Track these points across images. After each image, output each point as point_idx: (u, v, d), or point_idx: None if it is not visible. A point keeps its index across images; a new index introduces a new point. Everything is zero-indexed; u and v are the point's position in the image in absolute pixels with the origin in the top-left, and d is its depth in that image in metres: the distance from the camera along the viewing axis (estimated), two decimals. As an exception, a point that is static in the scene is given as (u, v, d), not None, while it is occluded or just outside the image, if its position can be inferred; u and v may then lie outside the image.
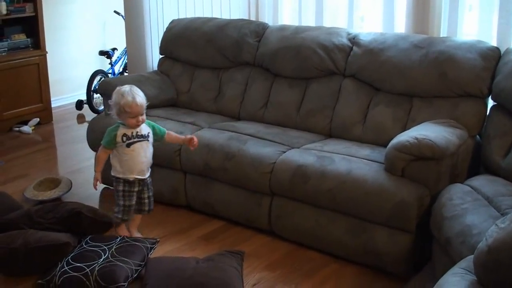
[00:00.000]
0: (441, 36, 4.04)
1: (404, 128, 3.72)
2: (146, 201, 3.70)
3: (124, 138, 3.51)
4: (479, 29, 3.98)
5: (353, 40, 4.18)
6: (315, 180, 3.48)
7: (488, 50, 3.73)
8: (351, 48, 4.16)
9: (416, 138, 3.23)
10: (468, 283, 2.40)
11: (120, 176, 3.59)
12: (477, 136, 3.74)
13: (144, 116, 3.51)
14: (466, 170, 3.55)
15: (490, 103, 3.75)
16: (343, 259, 3.55)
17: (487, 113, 3.72)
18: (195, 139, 3.70)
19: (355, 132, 4.00)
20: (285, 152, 3.75)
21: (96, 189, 3.65)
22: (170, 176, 4.19)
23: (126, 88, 3.48)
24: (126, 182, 3.59)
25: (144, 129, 3.57)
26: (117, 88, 3.51)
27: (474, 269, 2.42)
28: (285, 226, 3.73)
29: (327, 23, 4.54)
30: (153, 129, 3.63)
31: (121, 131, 3.51)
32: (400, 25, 4.22)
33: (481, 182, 3.28)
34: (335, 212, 3.49)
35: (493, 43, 3.86)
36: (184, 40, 4.91)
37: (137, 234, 3.77)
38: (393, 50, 3.94)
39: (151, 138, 3.61)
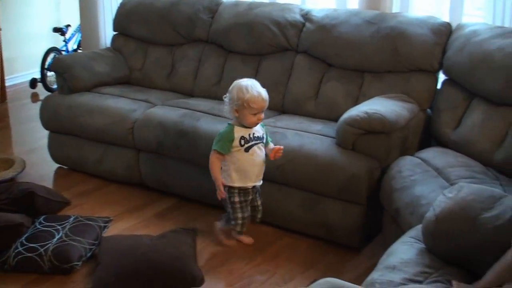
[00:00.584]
0: (393, 12, 4.06)
1: (356, 103, 3.75)
2: (260, 208, 3.44)
3: (242, 142, 3.23)
4: (431, 5, 4.01)
5: (306, 16, 4.18)
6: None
7: (439, 26, 3.77)
8: (304, 24, 4.15)
9: (367, 113, 3.27)
10: (417, 250, 2.46)
11: (236, 185, 3.31)
12: (428, 109, 3.78)
13: (263, 114, 3.27)
14: (417, 143, 3.60)
15: (441, 77, 3.81)
16: (296, 233, 3.58)
17: (438, 87, 3.77)
18: (281, 148, 3.31)
19: (307, 108, 4.01)
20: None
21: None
22: (124, 154, 4.16)
23: (247, 81, 3.23)
24: (242, 191, 3.33)
25: (259, 130, 3.31)
26: (236, 82, 3.26)
27: (422, 238, 2.48)
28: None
29: (280, -1, 4.54)
30: (266, 129, 3.40)
31: (238, 133, 3.24)
32: (353, 1, 4.24)
33: (431, 154, 3.34)
34: (288, 187, 3.51)
35: (445, 18, 3.90)
36: (137, 16, 4.84)
37: (247, 240, 3.53)
38: (345, 26, 3.95)
39: (265, 140, 3.35)
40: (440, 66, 3.73)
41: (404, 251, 2.49)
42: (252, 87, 3.19)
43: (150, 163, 4.07)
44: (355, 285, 1.97)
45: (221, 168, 3.30)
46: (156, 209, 3.94)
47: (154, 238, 3.36)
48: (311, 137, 3.54)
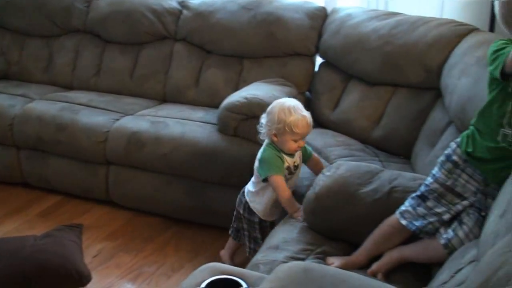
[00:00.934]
0: (269, -3, 4.10)
1: (236, 89, 3.76)
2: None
3: (287, 172, 2.80)
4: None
5: (183, 3, 4.15)
6: (150, 145, 3.47)
7: (314, 10, 3.85)
8: (181, 11, 4.12)
9: (246, 98, 3.30)
10: (299, 229, 2.54)
11: (265, 219, 2.92)
12: (307, 92, 3.86)
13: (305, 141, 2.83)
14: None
15: (319, 60, 3.89)
16: (183, 221, 3.58)
17: (315, 70, 3.85)
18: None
19: (189, 96, 3.99)
20: (119, 119, 3.69)
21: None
22: (2, 152, 3.98)
23: (291, 102, 2.77)
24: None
25: (297, 158, 2.87)
26: (277, 101, 2.79)
27: (304, 216, 2.54)
28: (124, 194, 3.69)
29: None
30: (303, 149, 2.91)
31: (285, 161, 2.79)
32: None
33: (311, 135, 3.37)
34: (172, 176, 3.50)
35: (320, 3, 3.98)
36: (12, 7, 4.57)
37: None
38: (222, 12, 3.96)
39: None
40: (317, 50, 3.82)
41: (286, 230, 2.55)
42: (296, 109, 2.72)
43: (32, 160, 3.92)
44: (239, 268, 2.00)
45: (255, 195, 2.91)
46: (40, 208, 3.81)
47: (38, 238, 3.25)
48: (192, 125, 3.54)
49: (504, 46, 1.94)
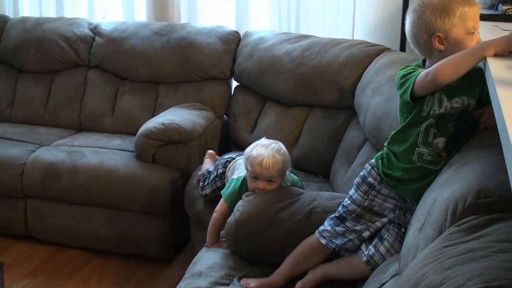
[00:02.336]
0: (182, 23, 4.10)
1: (153, 115, 3.75)
2: None
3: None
4: (219, 14, 4.11)
5: (95, 30, 4.11)
6: (67, 176, 3.39)
7: (227, 34, 3.88)
8: (94, 39, 4.08)
9: (163, 124, 3.29)
10: (222, 254, 2.52)
11: None
12: (225, 115, 3.88)
13: (271, 186, 2.55)
14: (216, 149, 3.66)
15: (234, 83, 3.92)
16: (105, 253, 3.49)
17: (232, 93, 3.88)
18: None
19: (105, 124, 3.95)
20: (34, 151, 3.59)
21: None
22: None
23: (267, 142, 2.61)
24: None
25: None
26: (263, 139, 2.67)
27: (226, 242, 2.53)
28: (44, 229, 3.57)
29: (68, 14, 4.40)
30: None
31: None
32: (141, 14, 4.22)
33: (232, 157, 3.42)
34: (91, 207, 3.42)
35: (233, 27, 4.01)
36: None
37: None
38: (135, 38, 3.94)
39: None
40: (232, 73, 3.85)
41: (209, 256, 2.53)
42: (264, 148, 2.55)
43: None
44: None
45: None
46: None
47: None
48: (110, 153, 3.49)
49: (412, 70, 1.98)
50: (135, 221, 3.35)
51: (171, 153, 3.31)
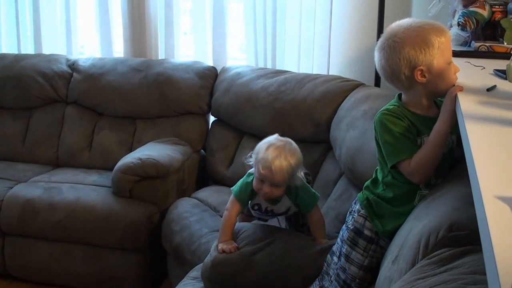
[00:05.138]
0: (159, 59, 4.14)
1: (130, 150, 3.76)
2: None
3: (256, 207, 2.64)
4: (196, 50, 4.14)
5: (73, 66, 4.12)
6: (45, 213, 3.36)
7: (204, 70, 3.92)
8: (72, 75, 4.10)
9: (140, 159, 3.29)
10: (198, 292, 2.50)
11: None
12: (202, 150, 3.89)
13: (276, 191, 2.48)
14: (194, 183, 3.69)
15: (212, 118, 3.95)
16: (82, 290, 3.46)
17: (209, 128, 3.91)
18: None
19: (82, 159, 3.94)
20: (12, 187, 3.57)
21: None
22: None
23: (280, 143, 2.49)
24: None
25: (281, 204, 2.61)
26: (274, 136, 2.57)
27: (203, 283, 2.52)
28: (21, 266, 3.52)
29: (47, 50, 4.42)
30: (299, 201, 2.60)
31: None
32: (119, 50, 4.25)
33: (207, 193, 3.45)
34: (69, 243, 3.40)
35: (210, 63, 4.05)
36: None
37: None
38: (112, 74, 3.97)
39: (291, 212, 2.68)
40: (209, 108, 3.87)
41: (185, 294, 2.53)
42: (276, 150, 2.44)
43: None
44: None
45: None
46: None
47: None
48: (87, 189, 3.48)
49: (398, 135, 1.89)
50: (113, 257, 3.33)
51: (148, 188, 3.31)
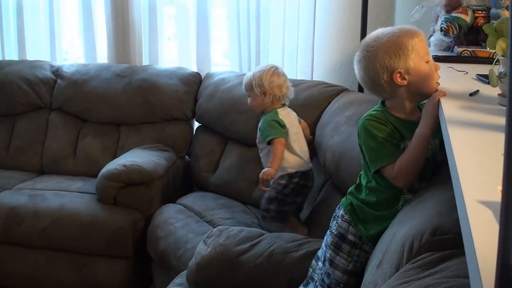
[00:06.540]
0: (143, 64, 4.14)
1: (114, 156, 3.74)
2: None
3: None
4: (180, 56, 4.15)
5: (57, 73, 4.11)
6: (29, 220, 3.34)
7: (188, 76, 3.92)
8: (56, 81, 4.08)
9: (124, 165, 3.29)
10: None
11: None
12: (187, 156, 3.89)
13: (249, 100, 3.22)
14: (178, 189, 3.68)
15: (196, 124, 3.95)
16: (67, 298, 3.44)
17: (193, 134, 3.91)
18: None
19: (67, 166, 3.92)
20: (-4, 195, 3.55)
21: None
22: None
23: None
24: None
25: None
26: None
27: (188, 286, 2.52)
28: (6, 275, 3.46)
29: (31, 56, 4.40)
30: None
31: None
32: (103, 56, 4.25)
33: (192, 199, 3.45)
34: (53, 251, 3.37)
35: (194, 69, 4.05)
36: None
37: None
38: (96, 80, 3.96)
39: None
40: (194, 114, 3.87)
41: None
42: (270, 67, 3.14)
43: None
44: None
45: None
46: None
47: None
48: (71, 195, 3.46)
49: (382, 140, 1.90)
50: (98, 265, 3.31)
51: (133, 194, 3.31)
